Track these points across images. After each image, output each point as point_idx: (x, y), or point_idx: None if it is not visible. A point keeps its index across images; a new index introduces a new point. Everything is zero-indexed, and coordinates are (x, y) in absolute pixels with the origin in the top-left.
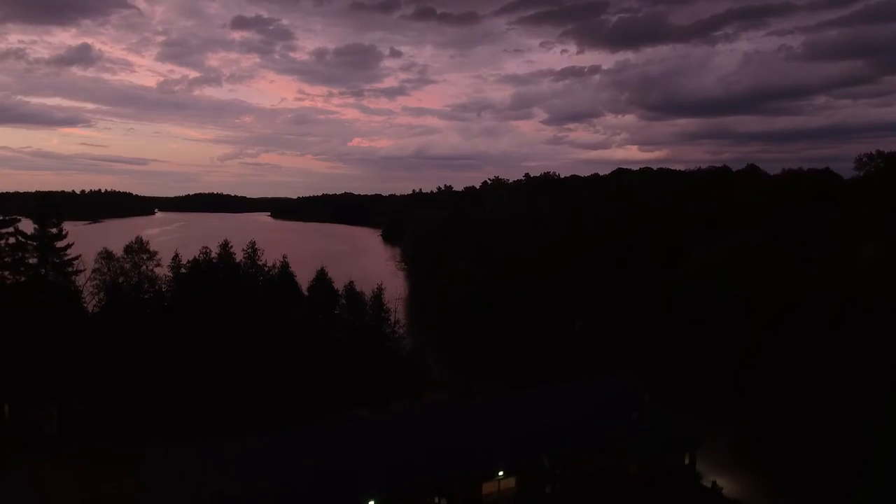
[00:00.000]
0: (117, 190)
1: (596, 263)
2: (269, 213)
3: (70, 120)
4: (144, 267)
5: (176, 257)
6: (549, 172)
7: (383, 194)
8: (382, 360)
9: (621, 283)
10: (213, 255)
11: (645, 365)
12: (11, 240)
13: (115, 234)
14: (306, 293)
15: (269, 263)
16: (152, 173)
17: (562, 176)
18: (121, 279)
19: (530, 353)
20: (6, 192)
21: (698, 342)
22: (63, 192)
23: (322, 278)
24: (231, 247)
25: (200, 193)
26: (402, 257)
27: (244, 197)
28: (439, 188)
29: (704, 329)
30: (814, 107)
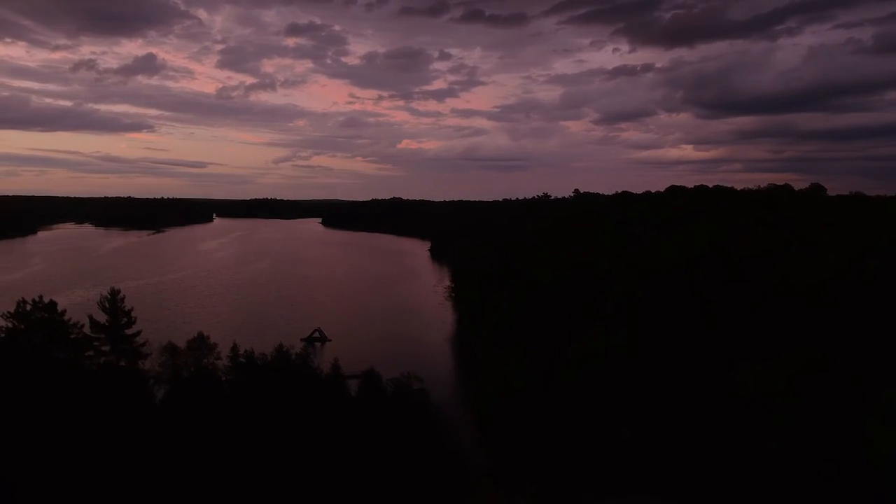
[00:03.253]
0: (177, 191)
1: (643, 361)
2: (320, 220)
3: (135, 125)
4: (205, 360)
5: (234, 348)
6: (597, 193)
7: (434, 200)
8: (428, 460)
9: (671, 384)
10: (269, 356)
11: (693, 483)
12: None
13: (179, 247)
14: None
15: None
16: (210, 175)
17: (611, 189)
18: (184, 373)
19: (576, 452)
20: (79, 197)
21: (751, 465)
22: (129, 197)
23: (371, 375)
24: (286, 348)
25: (255, 199)
26: (450, 279)
27: (297, 200)
28: (486, 202)
29: (758, 452)
30: (884, 102)
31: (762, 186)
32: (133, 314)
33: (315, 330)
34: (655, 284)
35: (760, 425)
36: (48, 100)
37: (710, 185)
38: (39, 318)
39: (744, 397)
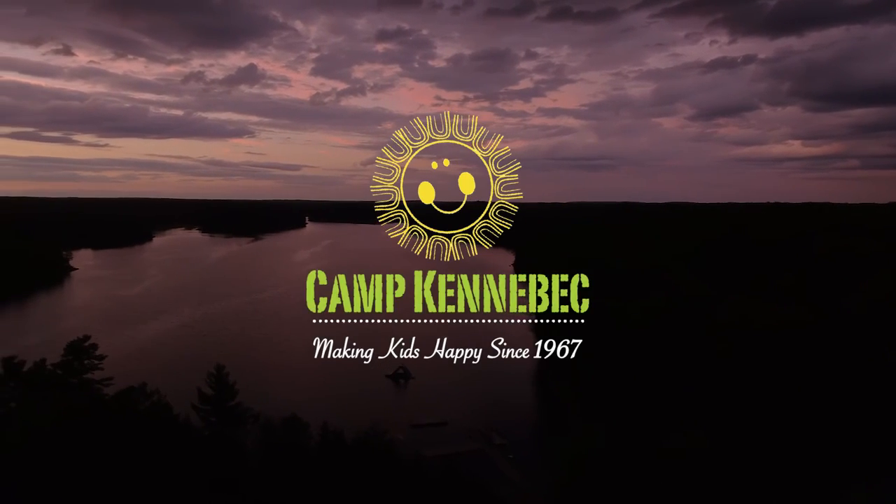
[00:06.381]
0: (273, 193)
1: (732, 462)
2: None
3: (238, 132)
4: (297, 440)
5: (325, 426)
6: (689, 203)
7: (523, 202)
8: None
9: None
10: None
11: None
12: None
13: (274, 258)
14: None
15: None
16: (303, 177)
17: (707, 190)
18: (278, 450)
19: None
20: (186, 200)
21: None
22: (230, 200)
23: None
24: (374, 433)
25: (345, 201)
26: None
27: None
28: (572, 203)
29: None
30: None
31: (883, 203)
32: (236, 386)
33: (400, 367)
34: (744, 358)
35: None
36: (163, 109)
37: (818, 200)
38: (145, 408)
39: None
